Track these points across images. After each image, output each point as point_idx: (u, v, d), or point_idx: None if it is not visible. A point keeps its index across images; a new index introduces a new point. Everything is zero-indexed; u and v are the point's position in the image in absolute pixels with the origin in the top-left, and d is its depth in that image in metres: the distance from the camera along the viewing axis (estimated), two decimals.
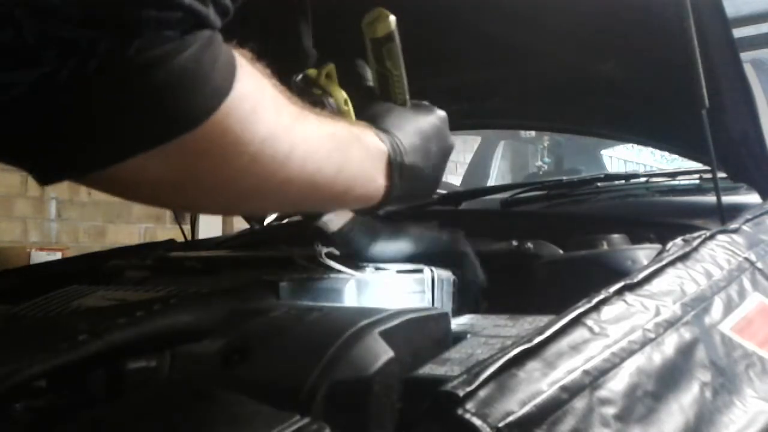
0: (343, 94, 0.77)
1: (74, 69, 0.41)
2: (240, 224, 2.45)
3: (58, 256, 3.01)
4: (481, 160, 3.53)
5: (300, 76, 0.80)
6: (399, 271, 0.91)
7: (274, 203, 0.64)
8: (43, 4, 0.40)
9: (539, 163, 3.73)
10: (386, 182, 0.70)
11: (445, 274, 0.94)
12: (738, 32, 1.58)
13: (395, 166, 0.70)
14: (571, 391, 0.54)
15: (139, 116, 0.45)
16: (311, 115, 0.61)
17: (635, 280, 0.70)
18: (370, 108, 0.77)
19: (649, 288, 0.70)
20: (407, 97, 0.80)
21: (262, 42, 0.55)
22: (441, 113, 0.80)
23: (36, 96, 0.42)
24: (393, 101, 0.79)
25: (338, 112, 0.77)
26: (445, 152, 0.79)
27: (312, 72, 0.79)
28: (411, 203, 0.79)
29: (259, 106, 0.53)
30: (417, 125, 0.76)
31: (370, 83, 0.80)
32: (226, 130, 0.50)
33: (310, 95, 0.77)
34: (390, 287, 0.87)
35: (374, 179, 0.69)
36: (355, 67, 0.83)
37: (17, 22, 0.40)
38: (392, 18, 0.76)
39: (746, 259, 0.85)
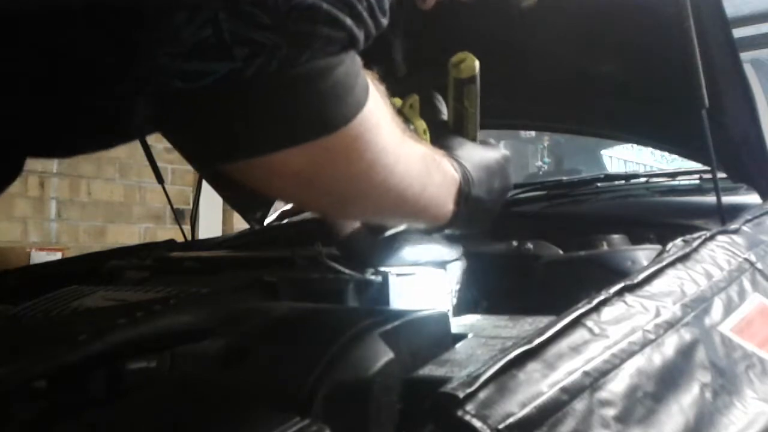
0: (422, 125, 0.84)
1: (259, 66, 0.49)
2: (240, 224, 2.45)
3: (58, 256, 3.01)
4: None
5: None
6: (398, 274, 0.91)
7: (372, 209, 0.70)
8: (242, 10, 0.48)
9: (539, 163, 3.73)
10: (454, 208, 0.75)
11: (442, 276, 0.94)
12: (738, 32, 1.58)
13: (463, 195, 0.76)
14: (571, 392, 0.53)
15: (298, 115, 0.54)
16: (409, 136, 0.68)
17: (635, 281, 0.70)
18: (444, 139, 0.83)
19: (649, 289, 0.70)
20: (477, 134, 0.86)
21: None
22: (505, 153, 0.87)
23: (223, 86, 0.49)
24: (465, 136, 0.84)
25: None
26: (505, 189, 0.85)
27: (397, 101, 0.85)
28: (466, 231, 0.84)
29: (381, 120, 0.61)
30: (485, 161, 0.82)
31: (445, 117, 0.87)
32: (357, 137, 0.58)
33: None
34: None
35: (446, 203, 0.75)
36: (433, 100, 0.90)
37: (219, 23, 0.48)
38: (477, 62, 0.84)
39: (746, 259, 0.85)
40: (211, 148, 0.55)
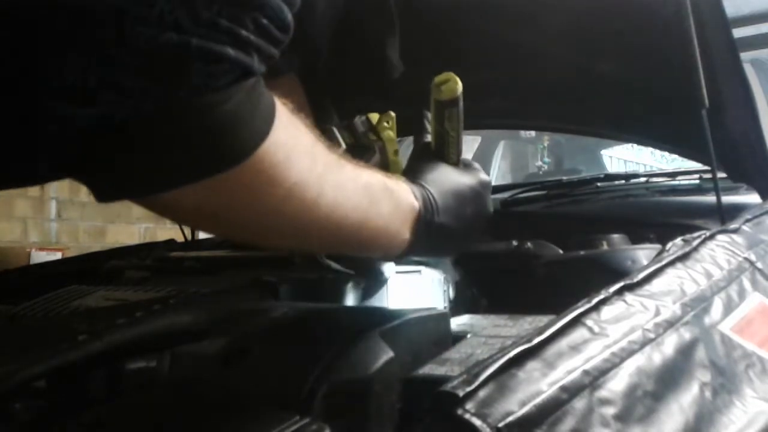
0: (395, 145, 0.82)
1: (130, 110, 0.47)
2: None
3: (58, 256, 3.01)
4: (481, 160, 3.52)
5: (363, 118, 0.85)
6: (397, 272, 0.91)
7: (300, 242, 0.67)
8: (105, 55, 0.46)
9: (539, 163, 3.72)
10: (411, 237, 0.71)
11: (439, 275, 0.94)
12: (738, 32, 1.58)
13: (423, 223, 0.72)
14: (571, 391, 0.53)
15: (183, 155, 0.51)
16: (348, 166, 0.65)
17: (635, 280, 0.70)
18: (419, 162, 0.81)
19: (649, 288, 0.70)
20: (459, 158, 0.83)
21: (347, 51, 0.58)
22: (485, 178, 0.83)
23: (96, 130, 0.48)
24: (445, 160, 0.81)
25: (386, 160, 0.83)
26: (480, 216, 0.81)
27: (373, 116, 0.84)
28: (432, 257, 0.84)
29: (293, 153, 0.57)
30: (456, 187, 0.78)
31: (429, 138, 0.84)
32: (260, 172, 0.54)
33: (366, 138, 0.84)
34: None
35: (399, 234, 0.71)
36: (422, 118, 0.86)
37: (83, 69, 0.46)
38: (460, 85, 0.80)
39: (746, 259, 0.85)
40: (101, 187, 0.56)
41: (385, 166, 0.84)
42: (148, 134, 0.49)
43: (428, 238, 0.73)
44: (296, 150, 0.58)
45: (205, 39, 0.48)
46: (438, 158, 0.81)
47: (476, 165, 0.84)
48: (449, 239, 0.76)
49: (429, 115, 0.83)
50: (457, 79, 0.80)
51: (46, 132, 0.50)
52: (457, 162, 0.82)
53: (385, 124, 0.84)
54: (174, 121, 0.49)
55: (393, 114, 0.84)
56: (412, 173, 0.77)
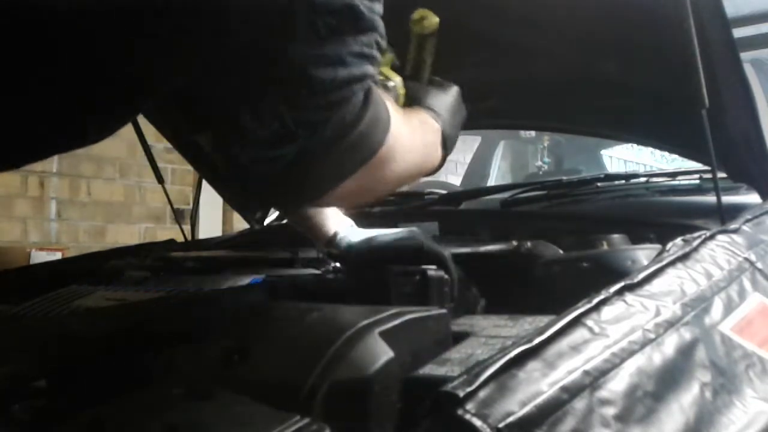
0: (400, 80, 0.90)
1: (320, 136, 0.61)
2: (240, 224, 2.45)
3: (58, 256, 3.01)
4: (481, 160, 3.52)
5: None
6: (399, 273, 0.91)
7: (399, 184, 0.82)
8: (298, 99, 0.59)
9: (539, 163, 3.72)
10: (442, 152, 0.87)
11: (439, 274, 0.94)
12: (738, 32, 1.58)
13: (445, 139, 0.87)
14: (572, 391, 0.53)
15: (349, 154, 0.65)
16: (403, 114, 0.77)
17: (635, 281, 0.70)
18: (413, 91, 0.92)
19: (649, 288, 0.70)
20: (430, 76, 0.96)
21: None
22: (455, 88, 0.95)
23: (296, 160, 0.61)
24: (420, 81, 0.93)
25: (397, 94, 0.92)
26: (463, 120, 0.95)
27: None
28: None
29: (398, 127, 0.70)
30: (448, 103, 0.91)
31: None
32: (390, 148, 0.69)
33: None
34: None
35: (438, 152, 0.86)
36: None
37: (282, 115, 0.59)
38: (436, 18, 0.92)
39: (746, 259, 0.85)
40: (289, 199, 0.71)
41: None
42: (328, 152, 0.62)
43: (447, 149, 0.87)
44: (397, 123, 0.70)
45: (360, 66, 0.61)
46: (414, 80, 0.93)
47: (439, 79, 0.96)
48: (452, 146, 0.90)
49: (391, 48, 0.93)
50: (433, 14, 0.91)
51: (245, 175, 0.65)
52: (430, 80, 0.94)
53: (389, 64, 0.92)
54: (341, 136, 0.62)
55: (392, 54, 0.92)
56: (418, 101, 0.89)
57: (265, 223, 1.88)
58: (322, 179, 0.66)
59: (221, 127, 0.64)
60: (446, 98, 0.92)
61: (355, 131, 0.63)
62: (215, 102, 0.63)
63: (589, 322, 0.61)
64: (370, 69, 0.62)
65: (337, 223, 1.06)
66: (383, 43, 0.64)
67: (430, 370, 0.68)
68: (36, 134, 0.60)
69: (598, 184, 1.71)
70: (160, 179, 1.72)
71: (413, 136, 0.78)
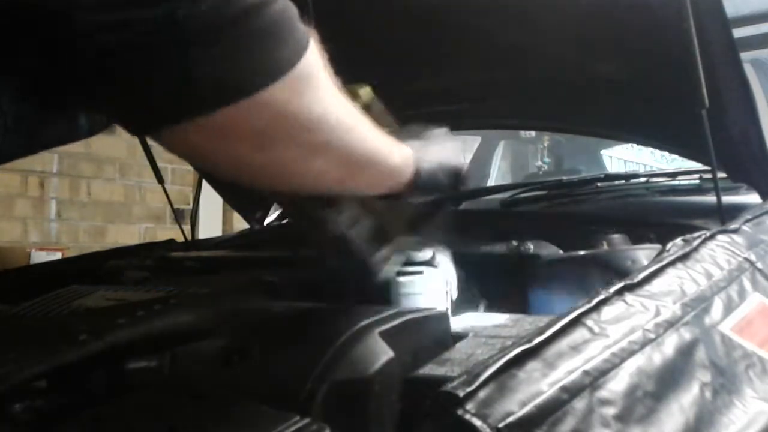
0: (369, 89, 0.84)
1: (188, 8, 0.44)
2: (240, 224, 2.45)
3: (58, 256, 3.01)
4: (481, 160, 3.52)
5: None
6: (398, 272, 0.91)
7: (330, 171, 0.63)
8: None
9: (539, 163, 3.72)
10: (412, 178, 0.75)
11: (441, 275, 0.94)
12: (738, 32, 1.58)
13: (418, 164, 0.76)
14: (571, 391, 0.53)
15: (238, 64, 0.48)
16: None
17: (635, 281, 0.70)
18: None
19: (649, 288, 0.70)
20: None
21: None
22: (438, 129, 0.86)
23: (154, 35, 0.45)
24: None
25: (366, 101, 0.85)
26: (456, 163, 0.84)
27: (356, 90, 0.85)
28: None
29: (324, 69, 0.57)
30: (423, 139, 0.82)
31: None
32: (309, 79, 0.53)
33: None
34: None
35: (404, 173, 0.74)
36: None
37: None
38: (364, 91, 0.81)
39: (746, 259, 0.85)
40: (147, 112, 0.49)
41: None
42: (202, 39, 0.46)
43: (420, 179, 0.76)
44: (326, 68, 0.57)
45: None
46: None
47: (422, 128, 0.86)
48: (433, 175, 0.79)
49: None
50: (361, 89, 0.82)
51: (88, 53, 0.46)
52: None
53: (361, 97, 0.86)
54: (226, 23, 0.47)
55: (369, 88, 0.85)
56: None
57: (265, 223, 1.88)
58: (193, 81, 0.47)
59: None
60: (421, 136, 0.82)
61: (253, 22, 0.48)
62: None
63: (589, 322, 0.61)
64: None
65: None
66: None
67: (430, 370, 0.68)
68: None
69: (598, 184, 1.71)
70: (160, 179, 1.72)
71: (355, 117, 0.63)
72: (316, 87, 0.55)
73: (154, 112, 0.49)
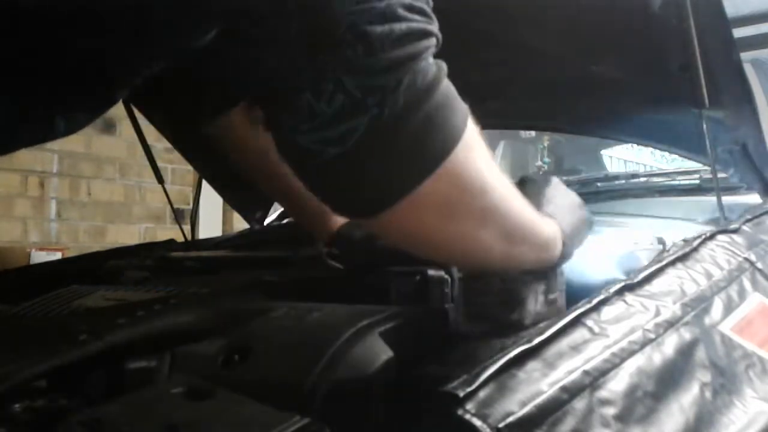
0: None
1: (392, 103, 0.53)
2: (240, 224, 2.45)
3: (58, 256, 3.01)
4: None
5: None
6: (399, 273, 0.91)
7: (495, 244, 0.66)
8: (358, 65, 0.52)
9: (539, 163, 3.72)
10: (561, 252, 0.74)
11: (439, 274, 0.94)
12: (738, 32, 1.58)
13: (564, 239, 0.75)
14: (571, 391, 0.53)
15: (432, 134, 0.55)
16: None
17: (635, 281, 0.70)
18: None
19: (649, 288, 0.70)
20: None
21: None
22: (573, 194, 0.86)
23: (369, 135, 0.53)
24: None
25: None
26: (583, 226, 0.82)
27: None
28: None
29: (480, 136, 0.61)
30: (566, 203, 0.82)
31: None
32: (474, 144, 0.59)
33: None
34: None
35: (553, 246, 0.73)
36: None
37: (345, 86, 0.52)
38: None
39: (746, 259, 0.85)
40: (368, 197, 0.57)
41: None
42: (402, 123, 0.54)
43: (567, 251, 0.75)
44: (482, 141, 0.61)
45: (419, 22, 0.55)
46: None
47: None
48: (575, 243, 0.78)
49: None
50: None
51: (303, 163, 0.56)
52: None
53: None
54: (418, 104, 0.54)
55: None
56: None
57: (265, 223, 1.88)
58: (402, 163, 0.55)
59: (275, 109, 0.56)
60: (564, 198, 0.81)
61: (432, 100, 0.55)
62: (257, 80, 0.57)
63: (589, 322, 0.61)
64: (428, 26, 0.56)
65: (338, 222, 1.06)
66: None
67: (430, 370, 0.68)
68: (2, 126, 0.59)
69: (598, 184, 1.71)
70: (160, 179, 1.72)
71: (509, 186, 0.66)
72: (479, 152, 0.60)
73: (381, 196, 0.57)
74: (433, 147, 0.55)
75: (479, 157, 0.60)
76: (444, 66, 0.58)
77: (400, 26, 0.53)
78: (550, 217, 0.74)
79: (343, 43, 0.52)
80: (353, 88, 0.52)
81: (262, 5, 0.52)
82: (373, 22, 0.52)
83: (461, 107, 0.58)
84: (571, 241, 0.75)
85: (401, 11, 0.53)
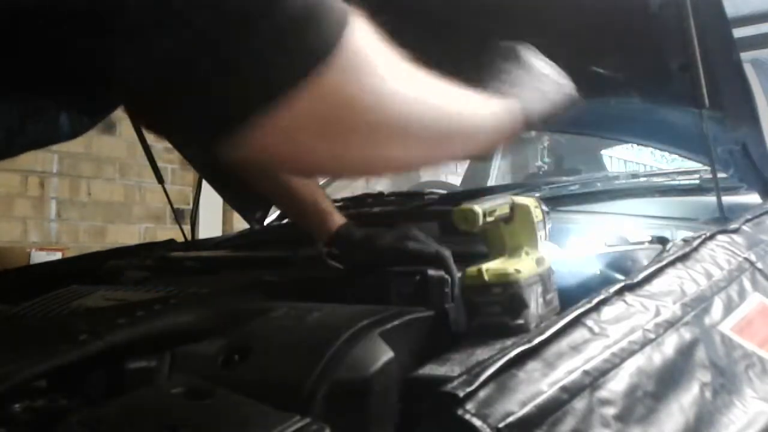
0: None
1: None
2: (240, 224, 2.45)
3: (58, 256, 3.01)
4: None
5: None
6: (399, 273, 0.91)
7: (410, 150, 0.59)
8: None
9: (539, 163, 3.72)
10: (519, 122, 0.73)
11: (439, 274, 0.94)
12: (738, 32, 1.58)
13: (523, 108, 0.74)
14: (571, 391, 0.53)
15: (290, 46, 0.47)
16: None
17: (635, 281, 0.70)
18: None
19: (649, 288, 0.70)
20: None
21: None
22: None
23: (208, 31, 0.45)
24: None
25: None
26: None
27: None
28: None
29: (379, 46, 0.53)
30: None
31: None
32: (360, 59, 0.51)
33: None
34: None
35: (494, 122, 0.70)
36: None
37: None
38: (478, 211, 0.75)
39: (746, 259, 0.85)
40: (214, 120, 0.49)
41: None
42: (244, 32, 0.46)
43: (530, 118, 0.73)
44: (383, 52, 0.54)
45: None
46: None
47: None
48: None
49: None
50: (467, 209, 0.76)
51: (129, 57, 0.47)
52: None
53: None
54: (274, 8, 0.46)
55: None
56: None
57: (265, 223, 1.88)
58: (258, 69, 0.47)
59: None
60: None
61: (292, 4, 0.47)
62: None
63: (589, 322, 0.61)
64: None
65: (339, 221, 1.06)
66: None
67: (430, 370, 0.68)
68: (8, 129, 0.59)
69: (598, 184, 1.71)
70: (160, 179, 1.72)
71: (428, 88, 0.59)
72: (371, 66, 0.52)
73: (220, 119, 0.48)
74: (278, 67, 0.47)
75: (369, 70, 0.52)
76: None
77: None
78: (502, 94, 0.70)
79: None
80: None
81: None
82: None
83: (331, 18, 0.49)
84: (531, 112, 0.73)
85: None
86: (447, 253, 0.92)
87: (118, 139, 3.70)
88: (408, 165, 0.63)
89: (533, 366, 0.54)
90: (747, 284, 0.81)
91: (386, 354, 0.66)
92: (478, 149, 0.69)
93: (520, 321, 0.72)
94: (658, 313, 0.66)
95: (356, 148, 0.55)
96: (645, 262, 0.86)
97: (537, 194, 1.66)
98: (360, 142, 0.55)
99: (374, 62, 0.53)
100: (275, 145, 0.51)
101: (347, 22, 0.50)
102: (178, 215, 1.97)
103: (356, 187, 2.49)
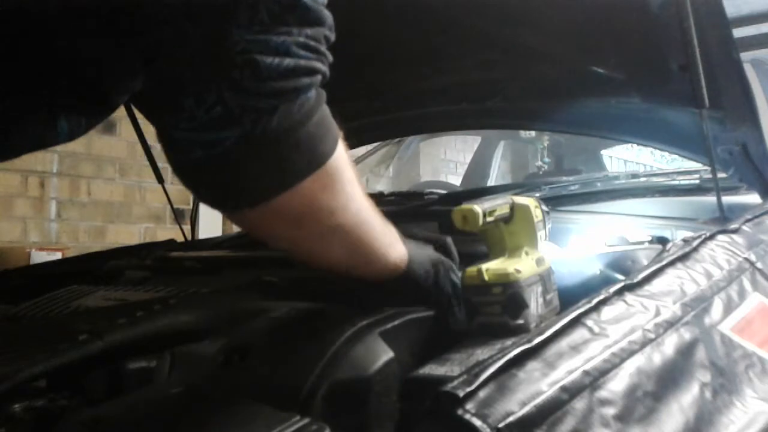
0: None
1: (265, 125, 0.58)
2: None
3: (58, 256, 3.01)
4: (481, 160, 3.52)
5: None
6: None
7: (346, 245, 0.73)
8: (243, 86, 0.57)
9: (539, 163, 3.72)
10: (395, 260, 0.79)
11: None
12: (738, 32, 1.58)
13: (409, 256, 0.80)
14: (571, 391, 0.53)
15: (296, 156, 0.61)
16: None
17: (635, 281, 0.70)
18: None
19: (649, 288, 0.70)
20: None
21: None
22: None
23: (238, 147, 0.59)
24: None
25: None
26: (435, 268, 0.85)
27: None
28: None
29: (350, 163, 0.68)
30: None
31: None
32: (338, 169, 0.65)
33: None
34: None
35: (390, 249, 0.78)
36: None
37: (225, 101, 0.57)
38: (478, 211, 0.76)
39: (746, 259, 0.85)
40: (229, 197, 0.65)
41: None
42: (273, 144, 0.60)
43: (410, 265, 0.80)
44: (351, 169, 0.68)
45: (308, 59, 0.59)
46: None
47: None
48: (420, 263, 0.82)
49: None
50: (467, 209, 0.77)
51: (178, 155, 0.61)
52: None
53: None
54: (292, 128, 0.60)
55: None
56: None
57: None
58: (263, 176, 0.62)
59: (162, 107, 0.61)
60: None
61: (303, 128, 0.60)
62: (158, 87, 0.60)
63: (589, 322, 0.61)
64: (318, 64, 0.60)
65: None
66: (331, 37, 0.62)
67: (430, 370, 0.68)
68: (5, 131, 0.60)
69: (598, 184, 1.71)
70: (160, 179, 1.72)
71: (363, 199, 0.71)
72: (342, 178, 0.66)
73: (239, 199, 0.64)
74: (293, 168, 0.62)
75: (340, 182, 0.66)
76: (323, 95, 0.63)
77: (289, 62, 0.58)
78: (402, 246, 0.79)
79: (232, 65, 0.57)
80: (233, 105, 0.57)
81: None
82: (264, 53, 0.57)
83: (332, 135, 0.64)
84: (413, 267, 0.80)
85: (294, 48, 0.58)
86: (448, 239, 0.93)
87: (118, 139, 3.70)
88: (338, 267, 0.76)
89: (533, 366, 0.54)
90: (747, 284, 0.81)
91: (386, 354, 0.66)
92: (379, 278, 0.78)
93: (520, 321, 0.72)
94: (658, 313, 0.66)
95: (315, 239, 0.70)
96: (645, 262, 0.86)
97: (537, 194, 1.66)
98: (318, 234, 0.69)
99: (345, 178, 0.66)
100: (271, 226, 0.68)
101: (338, 140, 0.64)
102: (178, 215, 1.97)
103: None
